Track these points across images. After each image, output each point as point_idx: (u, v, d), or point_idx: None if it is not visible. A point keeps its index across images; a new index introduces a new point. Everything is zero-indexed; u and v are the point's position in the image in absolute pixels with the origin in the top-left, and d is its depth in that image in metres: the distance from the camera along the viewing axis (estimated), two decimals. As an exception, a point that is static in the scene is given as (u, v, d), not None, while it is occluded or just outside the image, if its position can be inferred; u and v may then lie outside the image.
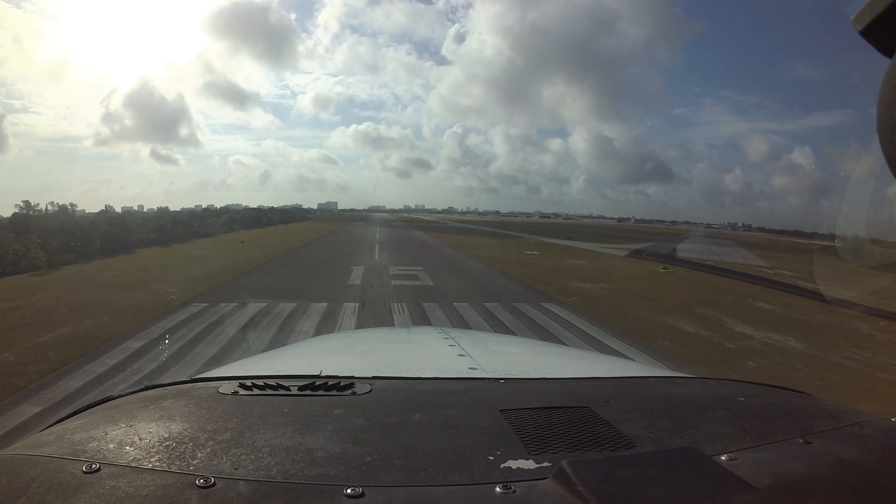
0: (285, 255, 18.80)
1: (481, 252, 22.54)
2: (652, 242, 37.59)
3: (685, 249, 30.79)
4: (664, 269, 18.38)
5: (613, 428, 0.78)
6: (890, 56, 0.46)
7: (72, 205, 30.20)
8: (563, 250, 26.36)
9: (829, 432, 0.81)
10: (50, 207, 27.06)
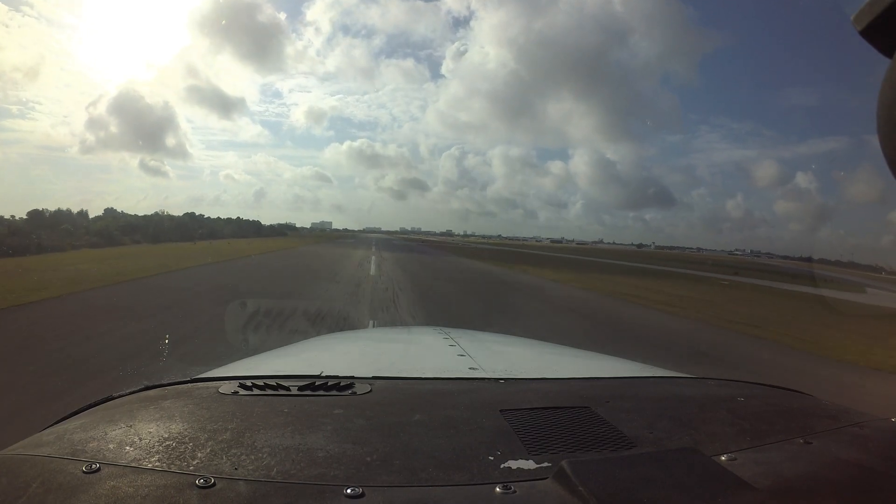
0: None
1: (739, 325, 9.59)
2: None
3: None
4: None
5: (613, 428, 0.78)
6: (890, 56, 0.46)
7: None
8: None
9: (829, 432, 0.81)
10: None
